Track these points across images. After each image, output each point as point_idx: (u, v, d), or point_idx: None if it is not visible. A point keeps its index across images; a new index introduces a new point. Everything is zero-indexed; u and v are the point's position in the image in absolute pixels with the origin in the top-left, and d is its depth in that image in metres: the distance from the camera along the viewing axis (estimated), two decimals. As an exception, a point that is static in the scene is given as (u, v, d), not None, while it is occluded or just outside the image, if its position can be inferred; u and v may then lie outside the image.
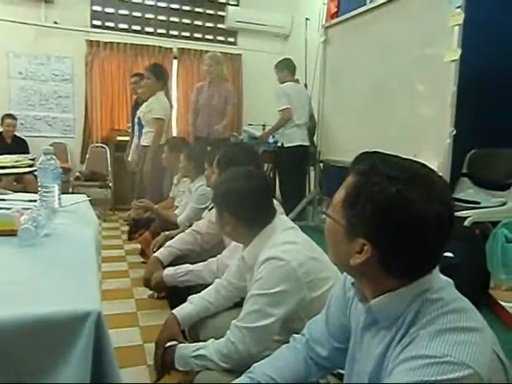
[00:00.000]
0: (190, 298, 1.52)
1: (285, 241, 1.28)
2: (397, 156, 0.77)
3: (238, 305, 1.43)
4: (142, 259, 3.51)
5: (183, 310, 1.46)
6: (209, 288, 1.54)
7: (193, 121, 4.13)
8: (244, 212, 1.32)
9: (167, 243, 2.11)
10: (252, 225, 1.33)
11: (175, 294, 1.84)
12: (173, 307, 1.58)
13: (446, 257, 2.30)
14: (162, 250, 2.07)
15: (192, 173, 2.80)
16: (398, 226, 0.69)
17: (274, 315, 1.18)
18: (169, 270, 1.83)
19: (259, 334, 1.19)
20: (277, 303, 1.18)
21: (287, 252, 1.21)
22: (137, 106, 4.62)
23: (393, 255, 0.71)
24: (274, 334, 1.21)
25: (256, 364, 1.03)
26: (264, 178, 1.45)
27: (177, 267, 1.82)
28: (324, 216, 0.84)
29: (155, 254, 2.05)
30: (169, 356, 1.30)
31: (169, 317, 1.45)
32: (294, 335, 1.06)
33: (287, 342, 1.09)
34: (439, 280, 0.76)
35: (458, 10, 2.51)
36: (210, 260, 1.81)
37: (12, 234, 1.24)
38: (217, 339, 1.23)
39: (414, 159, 0.77)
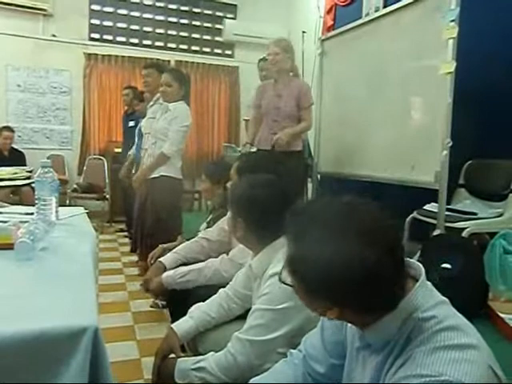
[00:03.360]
0: (190, 310, 1.49)
1: None
2: (326, 202, 0.77)
3: (240, 317, 1.42)
4: (138, 272, 3.50)
5: (182, 326, 1.43)
6: (212, 299, 1.51)
7: (254, 131, 3.24)
8: (258, 221, 1.30)
9: (174, 250, 2.06)
10: (264, 235, 1.31)
11: (175, 302, 1.81)
12: (173, 315, 1.55)
13: (444, 268, 2.30)
14: (167, 255, 2.01)
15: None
16: (347, 283, 0.69)
17: (279, 331, 1.17)
18: (168, 272, 1.80)
19: (262, 348, 1.18)
20: (282, 319, 1.17)
21: None
22: (128, 117, 4.65)
23: (358, 305, 0.72)
24: (277, 349, 1.20)
25: (254, 379, 1.02)
26: (284, 189, 1.39)
27: (176, 269, 1.80)
28: None
29: (160, 259, 2.00)
30: (167, 369, 1.28)
31: (168, 331, 1.44)
32: (292, 350, 1.05)
33: None
34: (433, 297, 0.75)
35: (452, 23, 2.54)
36: (210, 259, 1.79)
37: (9, 247, 1.23)
38: (216, 352, 1.22)
39: (341, 196, 0.77)
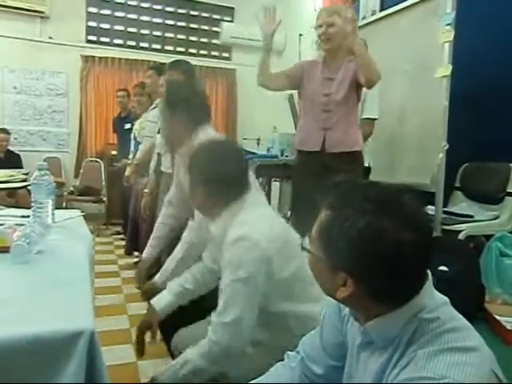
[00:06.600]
0: (169, 284, 1.53)
1: (254, 217, 1.27)
2: (371, 182, 0.78)
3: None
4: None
5: (161, 301, 1.49)
6: (188, 270, 1.56)
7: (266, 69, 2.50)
8: (216, 184, 1.30)
9: (150, 239, 2.02)
10: (222, 199, 1.31)
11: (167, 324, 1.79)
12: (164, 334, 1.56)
13: (441, 271, 2.30)
14: (146, 250, 2.00)
15: None
16: (373, 258, 0.69)
17: (252, 302, 1.18)
18: (158, 279, 1.74)
19: (239, 327, 1.17)
20: (252, 289, 1.17)
21: (256, 231, 1.20)
22: (122, 120, 4.65)
23: (375, 286, 0.72)
24: (253, 324, 1.20)
25: (251, 383, 1.01)
26: (241, 152, 1.42)
27: (160, 274, 1.75)
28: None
29: (143, 255, 2.00)
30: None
31: (149, 308, 1.50)
32: (289, 353, 1.05)
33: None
34: (435, 299, 0.76)
35: (448, 27, 2.55)
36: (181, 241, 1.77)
37: (4, 250, 1.22)
38: None
39: (389, 182, 0.78)
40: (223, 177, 1.29)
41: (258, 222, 1.26)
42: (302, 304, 1.26)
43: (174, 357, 1.70)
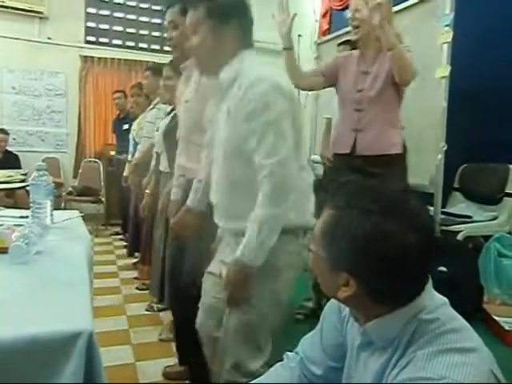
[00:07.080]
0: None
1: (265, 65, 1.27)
2: (375, 183, 0.79)
3: None
4: (134, 275, 3.49)
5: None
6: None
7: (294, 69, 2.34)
8: (228, 25, 1.27)
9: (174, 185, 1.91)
10: (232, 40, 1.28)
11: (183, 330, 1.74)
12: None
13: (440, 271, 2.30)
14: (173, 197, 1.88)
15: None
16: (378, 259, 0.69)
17: (286, 137, 1.16)
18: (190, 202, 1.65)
19: (289, 164, 1.16)
20: (280, 123, 1.16)
21: (273, 74, 1.21)
22: (121, 121, 4.65)
23: (378, 287, 0.72)
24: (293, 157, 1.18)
25: (251, 383, 1.01)
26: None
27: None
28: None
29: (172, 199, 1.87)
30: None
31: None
32: (288, 353, 1.05)
33: None
34: (434, 299, 0.76)
35: (447, 28, 2.56)
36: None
37: (3, 251, 1.22)
38: None
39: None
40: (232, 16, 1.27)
41: (272, 69, 1.26)
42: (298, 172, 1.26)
43: (182, 355, 1.68)
